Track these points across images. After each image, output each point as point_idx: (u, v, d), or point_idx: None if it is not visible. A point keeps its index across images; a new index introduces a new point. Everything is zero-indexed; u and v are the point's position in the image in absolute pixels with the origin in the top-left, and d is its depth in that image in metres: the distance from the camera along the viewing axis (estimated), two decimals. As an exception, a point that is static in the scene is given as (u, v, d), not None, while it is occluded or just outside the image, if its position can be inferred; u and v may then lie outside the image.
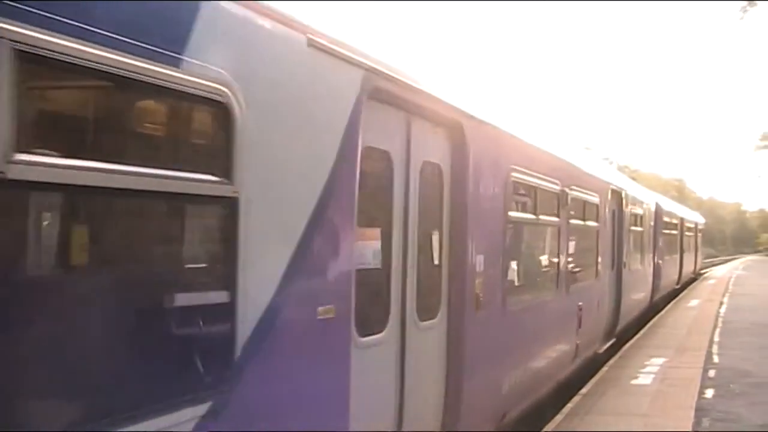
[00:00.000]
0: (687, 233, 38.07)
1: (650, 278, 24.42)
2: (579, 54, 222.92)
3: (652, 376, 13.88)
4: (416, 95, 6.32)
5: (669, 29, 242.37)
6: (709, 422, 10.62)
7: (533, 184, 9.96)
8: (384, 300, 6.00)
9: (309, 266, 4.68)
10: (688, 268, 39.32)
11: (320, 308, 4.76)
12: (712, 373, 14.21)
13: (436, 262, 6.94)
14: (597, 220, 14.55)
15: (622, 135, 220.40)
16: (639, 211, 21.61)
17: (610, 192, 16.20)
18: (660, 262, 26.37)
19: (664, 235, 28.30)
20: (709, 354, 16.35)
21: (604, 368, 14.64)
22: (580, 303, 12.72)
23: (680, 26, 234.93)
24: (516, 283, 9.35)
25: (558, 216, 11.40)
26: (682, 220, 35.55)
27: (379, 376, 5.90)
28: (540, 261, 11.15)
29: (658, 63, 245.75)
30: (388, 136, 6.06)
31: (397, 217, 6.10)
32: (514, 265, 9.20)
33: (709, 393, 12.44)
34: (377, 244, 5.91)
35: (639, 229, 21.64)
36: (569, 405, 11.59)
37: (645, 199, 23.82)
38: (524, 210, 9.88)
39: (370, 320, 5.74)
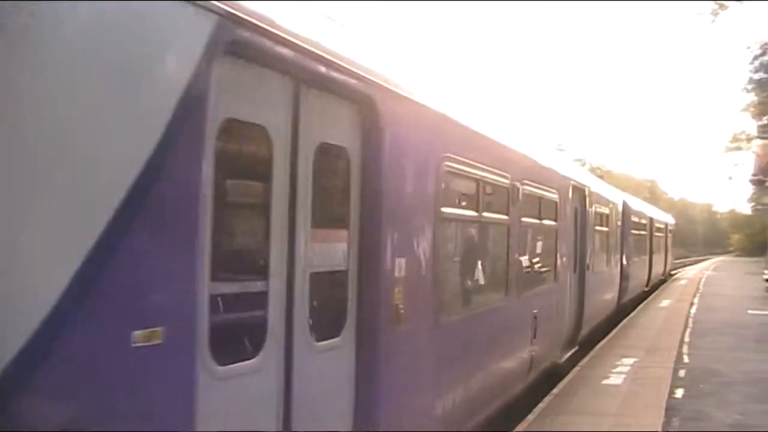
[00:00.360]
0: (657, 234, 37.45)
1: (617, 281, 23.54)
2: (553, 55, 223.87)
3: (623, 375, 13.92)
4: (306, 57, 4.98)
5: (642, 31, 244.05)
6: (679, 422, 10.67)
7: (474, 176, 8.71)
8: (259, 316, 4.71)
9: (112, 277, 3.46)
10: (658, 269, 38.74)
11: (137, 332, 3.54)
12: (682, 372, 14.30)
13: (341, 267, 5.73)
14: (556, 219, 13.49)
15: (595, 136, 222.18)
16: (604, 210, 20.61)
17: (571, 189, 15.15)
18: (628, 263, 25.52)
19: (633, 235, 27.55)
20: (680, 354, 16.45)
21: (576, 368, 14.67)
22: (535, 310, 11.56)
23: (653, 28, 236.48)
24: (452, 291, 8.29)
25: (507, 214, 10.14)
26: (651, 220, 35.03)
27: (251, 415, 4.55)
28: (484, 264, 9.56)
29: (630, 64, 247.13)
30: (265, 108, 4.75)
31: (277, 212, 4.83)
32: (449, 269, 8.08)
33: (680, 393, 12.55)
34: (246, 246, 4.97)
35: (605, 229, 20.58)
36: (541, 405, 11.61)
37: (611, 198, 22.91)
38: (463, 206, 8.74)
39: (237, 343, 4.61)
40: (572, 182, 15.40)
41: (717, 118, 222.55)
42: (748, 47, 46.98)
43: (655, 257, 36.05)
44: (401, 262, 6.36)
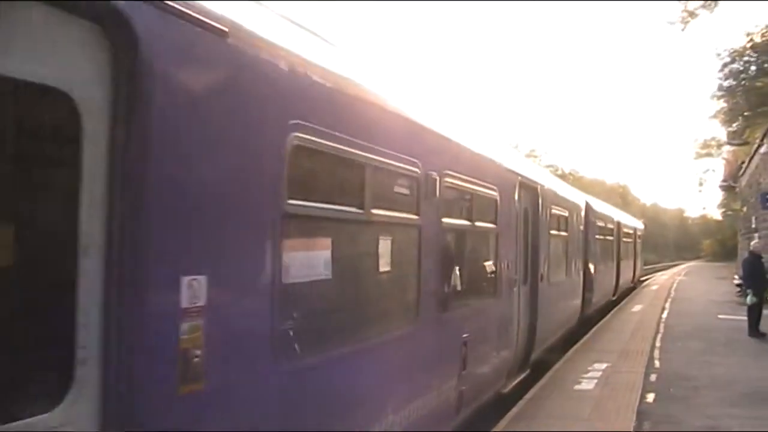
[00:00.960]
0: (625, 239, 35.61)
1: (579, 291, 21.65)
2: (526, 61, 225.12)
3: (595, 380, 13.95)
4: None
5: (616, 38, 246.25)
6: (649, 425, 10.77)
7: (355, 158, 6.17)
8: None
9: None
10: (626, 277, 36.80)
11: None
12: (653, 377, 14.36)
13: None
14: (496, 222, 10.99)
15: (568, 142, 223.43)
16: (563, 212, 18.26)
17: (518, 186, 12.70)
18: (592, 272, 23.65)
19: (598, 241, 25.80)
20: (651, 358, 16.51)
21: (549, 373, 14.73)
22: (465, 334, 9.30)
23: (626, 36, 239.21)
24: (314, 320, 5.83)
25: (417, 213, 7.66)
26: (618, 224, 33.11)
27: None
28: (376, 279, 7.08)
29: (603, 70, 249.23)
30: None
31: None
32: (310, 289, 5.62)
33: (651, 397, 12.58)
34: None
35: (563, 233, 18.39)
36: (514, 410, 11.64)
37: (571, 199, 20.41)
38: (335, 199, 6.03)
39: None
40: (520, 178, 12.93)
41: (689, 124, 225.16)
42: (718, 54, 47.40)
43: (623, 264, 34.16)
44: (196, 284, 4.15)
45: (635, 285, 43.24)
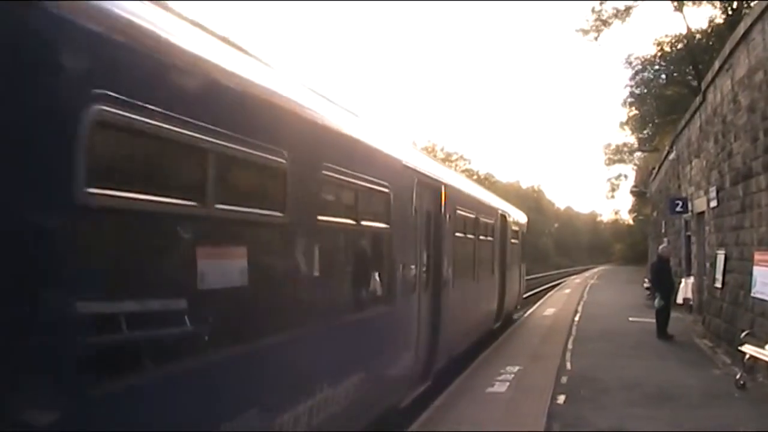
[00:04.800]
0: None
1: (495, 293, 20.30)
2: (441, 65, 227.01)
3: (507, 383, 14.05)
4: None
5: (530, 44, 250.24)
6: (559, 426, 10.90)
7: (191, 142, 4.92)
8: None
9: None
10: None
11: None
12: (564, 379, 14.54)
13: None
14: (389, 222, 9.83)
15: (484, 145, 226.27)
16: (471, 214, 16.21)
17: (416, 183, 11.39)
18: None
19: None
20: (563, 361, 16.72)
21: (460, 377, 14.77)
22: (346, 348, 8.30)
23: (540, 41, 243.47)
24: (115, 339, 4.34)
25: (282, 209, 6.48)
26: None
27: None
28: (221, 293, 5.36)
29: (519, 76, 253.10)
30: None
31: None
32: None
33: (561, 398, 12.73)
34: None
35: (472, 237, 16.21)
36: (423, 415, 11.57)
37: (486, 201, 18.87)
38: (155, 189, 4.64)
39: None
40: (419, 176, 11.67)
41: (602, 130, 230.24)
42: (630, 63, 48.50)
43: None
44: None
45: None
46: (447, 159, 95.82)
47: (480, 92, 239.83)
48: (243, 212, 5.71)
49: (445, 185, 13.72)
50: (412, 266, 11.21)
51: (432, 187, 12.79)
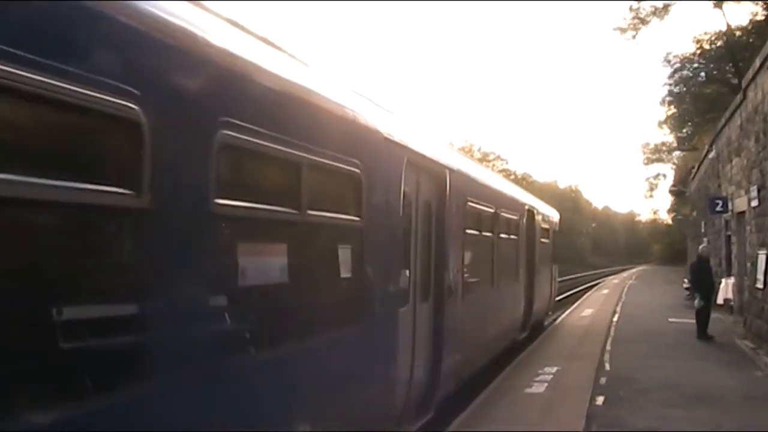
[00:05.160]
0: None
1: (521, 300, 18.71)
2: (482, 66, 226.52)
3: (546, 384, 14.03)
4: None
5: (568, 44, 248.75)
6: (597, 427, 10.87)
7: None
8: None
9: None
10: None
11: None
12: (603, 380, 14.46)
13: None
14: (360, 214, 7.33)
15: (521, 145, 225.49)
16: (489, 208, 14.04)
17: (406, 164, 8.93)
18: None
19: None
20: (601, 362, 16.63)
21: (499, 378, 14.79)
22: (298, 385, 6.02)
23: (577, 41, 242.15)
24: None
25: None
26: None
27: None
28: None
29: (557, 77, 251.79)
30: None
31: None
32: None
33: (600, 400, 12.68)
34: None
35: (492, 234, 14.30)
36: (464, 414, 11.67)
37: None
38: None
39: None
40: (408, 155, 9.13)
41: (640, 129, 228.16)
42: (668, 61, 48.12)
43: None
44: None
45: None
46: (484, 159, 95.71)
47: (518, 92, 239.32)
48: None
49: (451, 170, 11.17)
50: (402, 271, 8.93)
51: (432, 172, 10.40)
